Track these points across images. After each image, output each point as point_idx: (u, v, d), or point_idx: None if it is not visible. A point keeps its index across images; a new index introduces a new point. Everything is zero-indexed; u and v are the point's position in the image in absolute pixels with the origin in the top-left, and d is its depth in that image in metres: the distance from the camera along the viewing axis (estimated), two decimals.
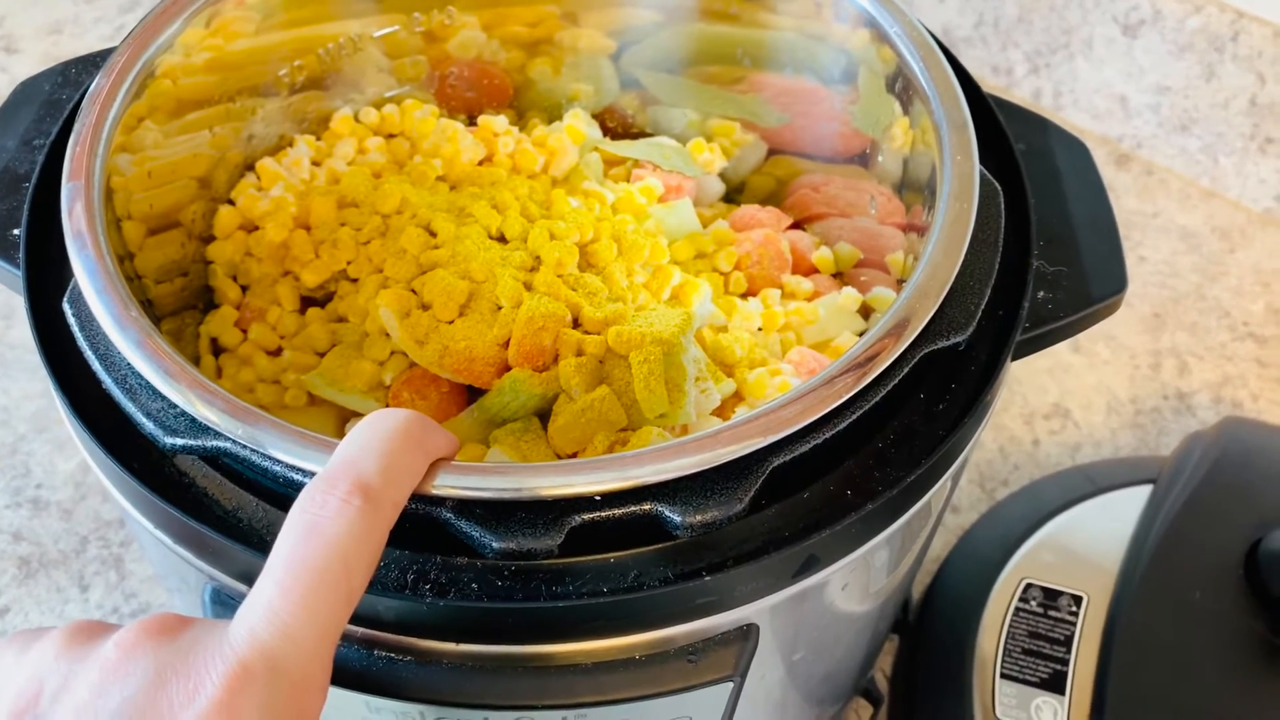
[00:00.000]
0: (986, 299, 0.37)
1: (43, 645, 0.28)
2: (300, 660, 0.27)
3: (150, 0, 0.95)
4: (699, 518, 0.31)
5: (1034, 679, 0.54)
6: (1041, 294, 0.40)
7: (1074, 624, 0.55)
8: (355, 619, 0.32)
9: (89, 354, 0.35)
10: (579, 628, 0.32)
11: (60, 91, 0.45)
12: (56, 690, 0.27)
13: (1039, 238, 0.40)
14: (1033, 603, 0.56)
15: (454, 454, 0.32)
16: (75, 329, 0.36)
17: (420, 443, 0.31)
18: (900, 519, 0.35)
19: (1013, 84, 0.89)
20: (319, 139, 0.51)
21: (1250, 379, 0.74)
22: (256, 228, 0.47)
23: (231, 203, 0.48)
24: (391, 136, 0.52)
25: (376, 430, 0.30)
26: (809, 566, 0.33)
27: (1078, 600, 0.56)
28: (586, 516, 0.31)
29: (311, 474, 0.31)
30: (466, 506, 0.31)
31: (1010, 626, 0.55)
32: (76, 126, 0.39)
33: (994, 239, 0.38)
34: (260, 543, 0.33)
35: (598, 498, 0.31)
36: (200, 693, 0.26)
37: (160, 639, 0.27)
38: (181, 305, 0.45)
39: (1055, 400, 0.73)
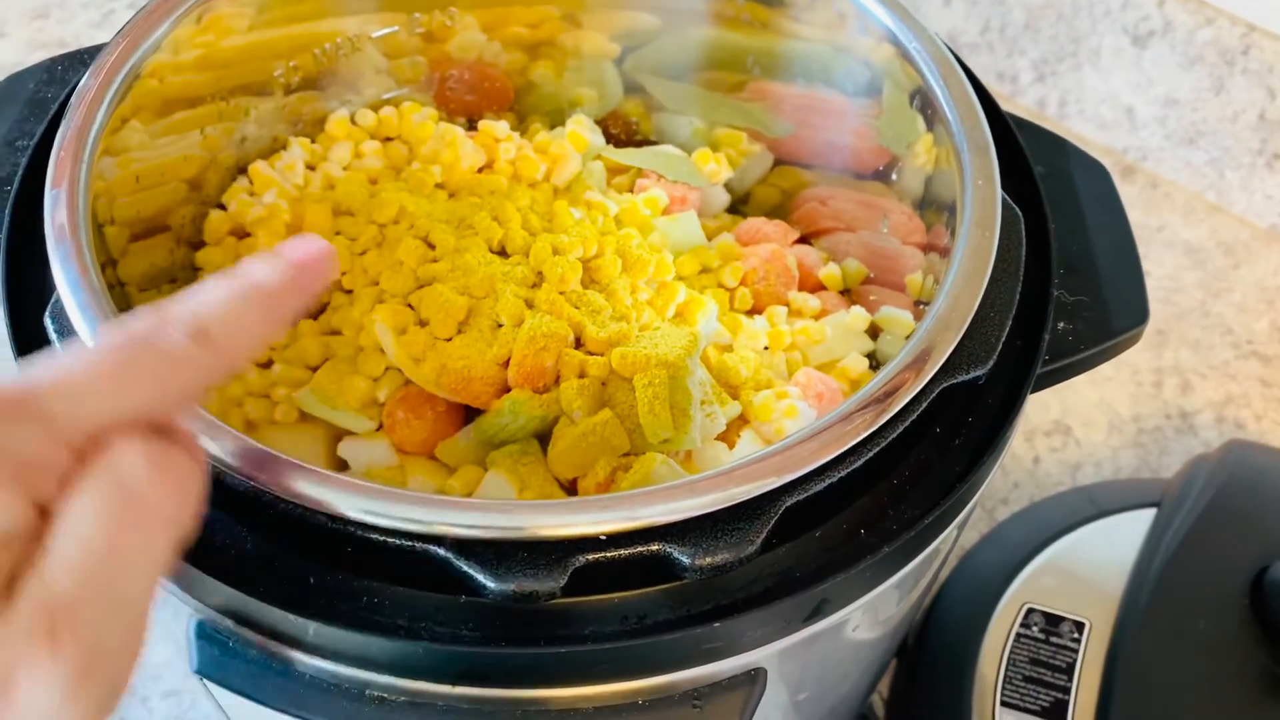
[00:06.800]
0: (1007, 331, 0.36)
1: None
2: None
3: None
4: (709, 560, 0.30)
5: (1035, 707, 0.53)
6: (1061, 325, 0.38)
7: (1076, 651, 0.54)
8: (347, 659, 0.31)
9: None
10: (580, 672, 0.31)
11: (46, 90, 0.43)
12: None
13: (1058, 265, 0.39)
14: (1034, 628, 0.55)
15: None
16: (57, 345, 0.34)
17: None
18: (915, 559, 0.34)
19: (1017, 92, 0.88)
20: (314, 141, 0.49)
21: (1254, 398, 0.73)
22: (248, 233, 0.45)
23: (223, 207, 0.46)
24: (389, 140, 0.50)
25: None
26: (821, 610, 0.32)
27: (1080, 627, 0.55)
28: (591, 557, 0.30)
29: (302, 505, 0.30)
30: (465, 545, 0.30)
31: (1011, 653, 0.54)
32: (61, 130, 0.38)
33: (1015, 268, 0.37)
34: (244, 580, 0.32)
35: (603, 538, 0.30)
36: None
37: None
38: None
39: (1056, 417, 0.72)
